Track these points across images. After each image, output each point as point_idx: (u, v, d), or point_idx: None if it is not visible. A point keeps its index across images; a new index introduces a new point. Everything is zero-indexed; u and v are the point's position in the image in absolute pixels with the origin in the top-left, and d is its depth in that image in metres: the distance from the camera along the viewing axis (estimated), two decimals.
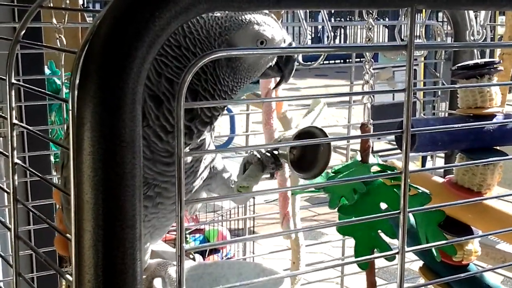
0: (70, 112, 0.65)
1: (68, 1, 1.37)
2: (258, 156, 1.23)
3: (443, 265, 1.35)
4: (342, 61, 11.89)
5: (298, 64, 1.67)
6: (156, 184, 1.13)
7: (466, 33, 1.64)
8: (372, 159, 1.31)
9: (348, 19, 12.83)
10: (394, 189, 1.19)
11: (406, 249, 0.77)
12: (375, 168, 1.26)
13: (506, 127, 1.33)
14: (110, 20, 0.61)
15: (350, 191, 1.21)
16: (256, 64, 1.13)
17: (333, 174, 1.29)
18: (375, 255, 0.93)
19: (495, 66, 1.30)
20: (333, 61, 11.82)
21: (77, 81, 0.62)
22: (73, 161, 0.62)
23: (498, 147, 1.36)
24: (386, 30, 13.16)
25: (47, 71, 2.33)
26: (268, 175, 1.25)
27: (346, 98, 2.13)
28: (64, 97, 1.79)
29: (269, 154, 1.22)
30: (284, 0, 0.66)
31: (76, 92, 0.62)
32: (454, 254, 1.30)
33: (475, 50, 1.65)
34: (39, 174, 0.84)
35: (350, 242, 1.94)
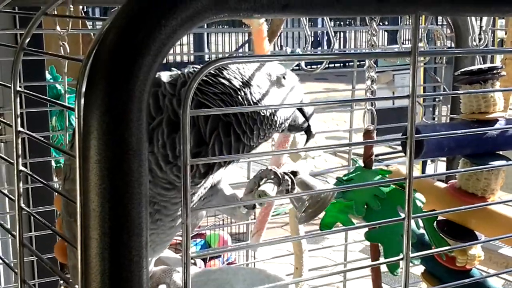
0: (76, 120, 0.65)
1: (72, 8, 1.37)
2: (276, 172, 1.23)
3: (446, 270, 1.35)
4: (342, 65, 11.90)
5: (300, 69, 1.67)
6: (155, 201, 1.13)
7: (468, 38, 1.65)
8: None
9: (348, 23, 12.86)
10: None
11: (411, 254, 0.77)
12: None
13: (509, 132, 1.32)
14: (117, 29, 0.62)
15: (372, 198, 1.22)
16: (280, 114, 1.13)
17: (343, 182, 1.29)
18: (380, 261, 0.92)
19: (498, 71, 1.30)
20: (333, 65, 11.83)
21: (84, 89, 0.63)
22: (79, 169, 0.62)
23: (501, 152, 1.36)
24: (386, 34, 13.18)
25: (47, 76, 2.33)
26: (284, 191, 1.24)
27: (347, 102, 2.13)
28: (66, 102, 1.80)
29: (286, 176, 1.22)
30: (289, 8, 0.67)
31: (82, 100, 0.62)
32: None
33: (477, 55, 1.65)
34: (44, 181, 0.84)
35: (352, 247, 1.93)
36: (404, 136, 0.77)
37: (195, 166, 1.09)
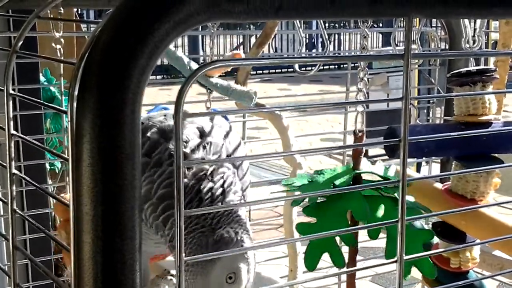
0: (69, 123, 0.65)
1: (62, 10, 1.36)
2: None
3: (443, 271, 1.35)
4: (336, 67, 11.91)
5: (293, 71, 1.68)
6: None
7: (461, 40, 1.65)
8: (366, 166, 1.29)
9: (342, 25, 12.88)
10: (364, 195, 1.16)
11: (405, 257, 0.77)
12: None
13: (502, 135, 1.32)
14: (109, 31, 0.62)
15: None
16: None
17: (317, 176, 1.26)
18: (375, 263, 0.92)
19: (489, 73, 1.30)
20: (327, 67, 11.84)
21: (76, 92, 0.62)
22: (72, 172, 0.62)
23: (495, 154, 1.35)
24: (380, 36, 13.20)
25: (42, 78, 2.32)
26: None
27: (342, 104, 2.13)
28: (62, 104, 1.79)
29: None
30: (283, 11, 0.67)
31: (75, 104, 0.62)
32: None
33: (471, 58, 1.65)
34: (37, 184, 0.84)
35: (347, 248, 1.94)
36: (397, 139, 0.77)
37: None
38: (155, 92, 9.68)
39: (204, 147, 1.10)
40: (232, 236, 1.05)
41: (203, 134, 1.12)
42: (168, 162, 1.08)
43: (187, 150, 1.08)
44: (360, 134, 1.21)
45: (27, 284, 1.75)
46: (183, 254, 0.66)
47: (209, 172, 1.07)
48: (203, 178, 1.07)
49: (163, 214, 1.07)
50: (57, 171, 2.50)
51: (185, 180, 1.06)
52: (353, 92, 2.11)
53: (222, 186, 1.08)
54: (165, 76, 10.94)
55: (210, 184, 1.07)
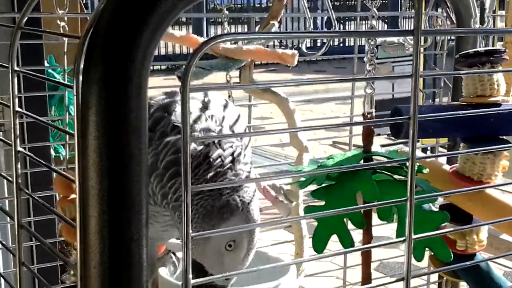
0: (75, 97, 0.64)
1: None
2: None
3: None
4: (342, 57, 11.83)
5: (300, 54, 1.66)
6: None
7: (470, 23, 1.63)
8: (377, 149, 1.28)
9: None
10: (375, 180, 1.15)
11: (413, 236, 0.76)
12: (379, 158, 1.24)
13: (509, 117, 1.30)
14: (114, 4, 0.61)
15: (323, 175, 1.17)
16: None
17: (326, 160, 1.25)
18: (381, 242, 0.90)
19: (497, 54, 1.28)
20: (333, 58, 11.79)
21: (81, 66, 0.62)
22: (78, 146, 0.61)
23: (504, 136, 1.33)
24: (386, 26, 13.14)
25: (46, 65, 2.32)
26: None
27: (347, 93, 2.11)
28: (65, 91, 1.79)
29: None
30: None
31: (80, 77, 0.61)
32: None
33: (479, 39, 1.63)
34: (43, 162, 0.83)
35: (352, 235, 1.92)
36: (405, 117, 0.75)
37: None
38: (160, 81, 9.68)
39: (206, 120, 1.08)
40: (239, 204, 1.03)
41: (205, 108, 1.11)
42: (173, 133, 1.07)
43: (190, 121, 1.06)
44: (369, 116, 1.20)
45: (32, 266, 1.76)
46: (190, 231, 0.66)
47: (216, 140, 1.06)
48: (210, 144, 1.05)
49: (170, 182, 1.06)
50: (61, 158, 2.50)
51: (193, 144, 1.04)
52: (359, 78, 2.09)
53: (232, 154, 1.06)
54: (169, 66, 10.96)
55: (220, 151, 1.05)
